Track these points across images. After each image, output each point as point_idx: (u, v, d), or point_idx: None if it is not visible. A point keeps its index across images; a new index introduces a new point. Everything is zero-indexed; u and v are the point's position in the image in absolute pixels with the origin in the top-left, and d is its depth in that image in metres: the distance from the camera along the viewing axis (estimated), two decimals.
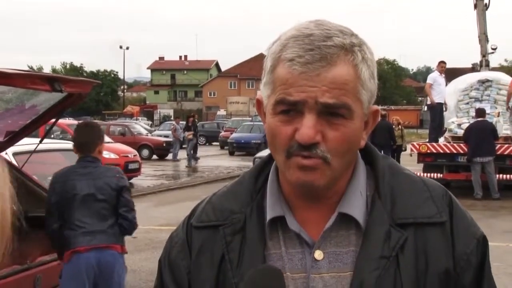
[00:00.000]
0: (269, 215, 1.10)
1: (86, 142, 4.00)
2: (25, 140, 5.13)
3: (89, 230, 3.87)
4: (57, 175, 4.04)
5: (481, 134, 12.63)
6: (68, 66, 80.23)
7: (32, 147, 5.01)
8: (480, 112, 13.20)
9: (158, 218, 10.73)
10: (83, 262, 3.84)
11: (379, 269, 1.04)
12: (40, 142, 4.87)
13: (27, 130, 4.60)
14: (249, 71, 75.89)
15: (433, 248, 1.06)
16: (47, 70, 79.66)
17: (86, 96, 4.46)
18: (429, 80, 14.22)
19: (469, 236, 1.10)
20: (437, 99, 13.85)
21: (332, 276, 1.06)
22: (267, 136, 1.07)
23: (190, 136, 22.41)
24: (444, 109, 14.24)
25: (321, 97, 0.99)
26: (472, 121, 13.48)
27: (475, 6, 16.55)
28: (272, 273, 1.02)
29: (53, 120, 4.72)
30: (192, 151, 22.47)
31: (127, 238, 7.30)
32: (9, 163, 4.81)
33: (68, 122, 17.95)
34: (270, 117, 1.04)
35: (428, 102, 14.34)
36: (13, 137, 4.60)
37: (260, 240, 1.09)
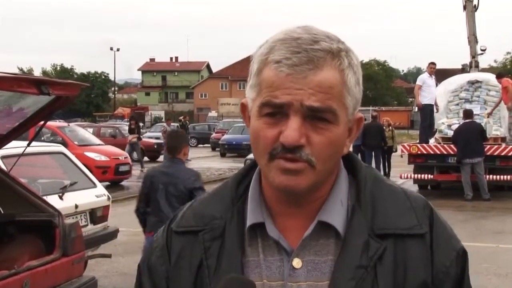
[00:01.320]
0: (249, 221, 1.09)
1: (174, 146, 4.97)
2: (14, 143, 5.09)
3: (165, 219, 4.63)
4: (149, 171, 5.19)
5: (469, 135, 12.66)
6: (58, 68, 79.83)
7: (20, 150, 4.97)
8: (468, 114, 13.25)
9: None
10: None
11: (356, 279, 1.02)
12: (28, 145, 4.83)
13: (14, 133, 4.57)
14: (240, 72, 75.86)
15: (412, 259, 1.06)
16: (37, 71, 79.39)
17: (74, 99, 4.43)
18: (418, 81, 14.28)
19: (448, 248, 1.09)
20: (426, 101, 13.90)
21: (310, 284, 1.05)
22: (251, 140, 1.05)
23: (134, 139, 20.71)
24: (436, 110, 14.30)
25: (306, 100, 0.99)
26: (461, 122, 13.54)
27: (464, 8, 16.64)
28: (246, 284, 1.01)
29: (42, 122, 4.69)
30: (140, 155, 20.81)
31: (117, 241, 7.32)
32: None
33: (58, 124, 17.85)
34: (255, 120, 1.03)
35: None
36: (0, 141, 4.56)
37: (238, 246, 1.08)
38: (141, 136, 21.55)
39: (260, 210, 1.09)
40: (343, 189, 1.10)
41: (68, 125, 17.56)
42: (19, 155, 4.92)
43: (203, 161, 24.86)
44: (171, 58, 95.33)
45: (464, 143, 12.66)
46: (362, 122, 1.11)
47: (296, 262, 1.06)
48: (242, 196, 1.13)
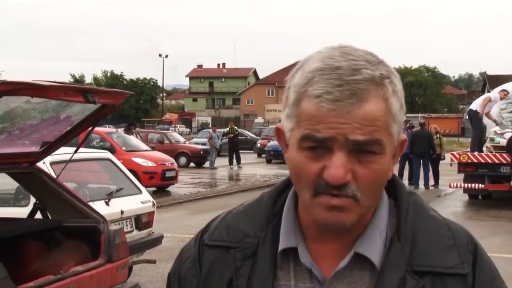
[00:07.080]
0: (281, 245, 1.06)
1: None
2: (63, 149, 5.20)
3: None
4: None
5: None
6: (108, 74, 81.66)
7: (68, 157, 5.07)
8: None
9: (193, 227, 10.73)
10: None
11: None
12: (75, 152, 4.92)
13: (62, 141, 4.66)
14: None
15: None
16: (88, 78, 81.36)
17: (119, 107, 4.48)
18: (492, 96, 13.85)
19: None
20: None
21: None
22: (291, 171, 1.00)
23: None
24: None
25: (351, 134, 0.94)
26: None
27: None
28: None
29: (89, 129, 4.77)
30: None
31: (161, 247, 7.37)
32: (44, 173, 4.86)
33: (107, 130, 18.20)
34: (295, 152, 0.98)
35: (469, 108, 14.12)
36: (48, 148, 4.66)
37: (270, 269, 1.05)
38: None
39: (294, 233, 1.06)
40: (383, 218, 1.05)
41: (117, 130, 17.86)
42: (67, 162, 5.01)
43: (248, 168, 24.91)
44: (218, 65, 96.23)
45: None
46: (405, 143, 1.05)
47: None
48: (278, 214, 1.09)
